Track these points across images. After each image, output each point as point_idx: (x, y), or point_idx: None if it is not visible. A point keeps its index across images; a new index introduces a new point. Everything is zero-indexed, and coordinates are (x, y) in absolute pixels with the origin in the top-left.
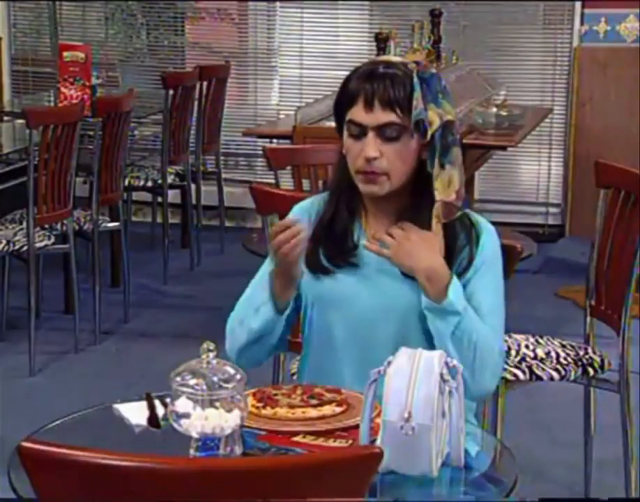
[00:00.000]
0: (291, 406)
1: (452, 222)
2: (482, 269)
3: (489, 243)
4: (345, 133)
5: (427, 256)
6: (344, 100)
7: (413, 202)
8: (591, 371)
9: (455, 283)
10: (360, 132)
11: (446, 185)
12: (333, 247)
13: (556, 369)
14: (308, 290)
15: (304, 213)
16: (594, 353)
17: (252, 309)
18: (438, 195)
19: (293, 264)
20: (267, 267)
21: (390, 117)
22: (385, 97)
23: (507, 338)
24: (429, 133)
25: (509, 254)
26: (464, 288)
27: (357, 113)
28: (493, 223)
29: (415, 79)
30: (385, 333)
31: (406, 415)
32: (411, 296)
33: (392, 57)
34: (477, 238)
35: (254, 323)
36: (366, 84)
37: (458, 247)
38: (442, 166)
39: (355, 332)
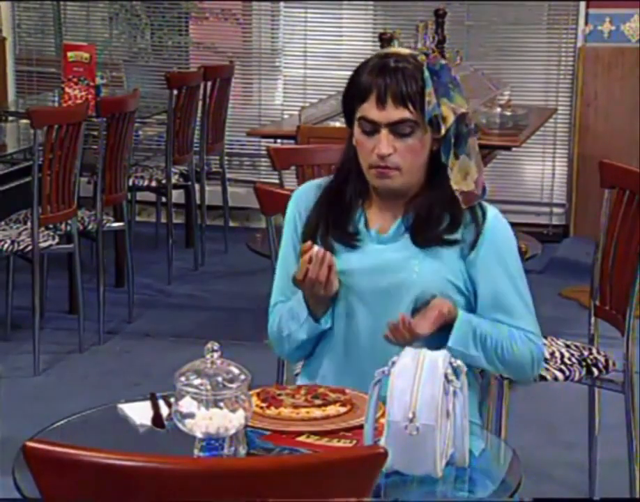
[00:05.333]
0: (295, 406)
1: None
2: (490, 259)
3: (497, 230)
4: (356, 129)
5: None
6: (354, 94)
7: (422, 197)
8: (595, 371)
9: (459, 323)
10: (373, 128)
11: (463, 175)
12: (336, 231)
13: (560, 370)
14: None
15: (299, 204)
16: (598, 353)
17: (297, 324)
18: (455, 185)
19: (327, 292)
20: (285, 249)
21: (403, 113)
22: (398, 93)
23: None
24: (444, 129)
25: None
26: (477, 278)
27: (370, 110)
28: None
29: (426, 73)
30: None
31: (410, 415)
32: (419, 272)
33: (401, 49)
34: (483, 216)
35: (301, 335)
36: (377, 79)
37: (462, 221)
38: (456, 156)
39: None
